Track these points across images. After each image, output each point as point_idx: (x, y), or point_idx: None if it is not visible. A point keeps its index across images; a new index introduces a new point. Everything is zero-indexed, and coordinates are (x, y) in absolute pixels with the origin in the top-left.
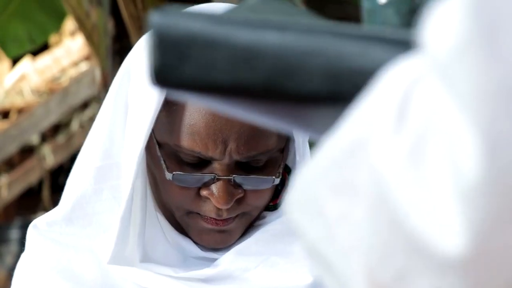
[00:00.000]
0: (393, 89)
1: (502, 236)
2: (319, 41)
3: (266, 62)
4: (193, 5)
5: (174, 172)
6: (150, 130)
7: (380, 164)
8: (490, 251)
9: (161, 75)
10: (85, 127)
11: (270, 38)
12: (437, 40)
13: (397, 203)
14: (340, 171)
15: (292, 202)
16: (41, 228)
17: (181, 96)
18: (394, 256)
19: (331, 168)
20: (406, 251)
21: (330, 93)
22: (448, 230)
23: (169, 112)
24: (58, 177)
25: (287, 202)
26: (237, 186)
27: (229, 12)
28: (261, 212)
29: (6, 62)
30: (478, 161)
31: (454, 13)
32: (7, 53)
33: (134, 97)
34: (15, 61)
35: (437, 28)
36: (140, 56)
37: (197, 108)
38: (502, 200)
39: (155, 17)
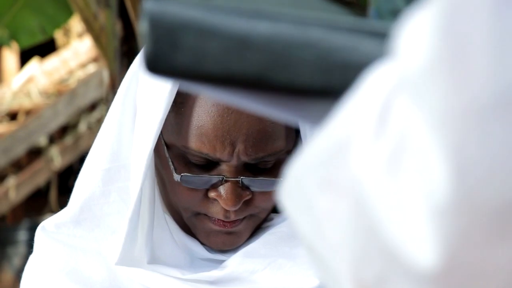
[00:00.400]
0: (375, 93)
1: (472, 254)
2: (311, 33)
3: (257, 53)
4: None
5: (182, 174)
6: (159, 132)
7: (359, 168)
8: (461, 268)
9: (153, 63)
10: (93, 129)
11: (262, 29)
12: (408, 53)
13: (374, 210)
14: (325, 169)
15: (284, 195)
16: (49, 230)
17: (174, 82)
18: (373, 260)
19: (318, 165)
20: (383, 257)
21: (320, 86)
22: (420, 244)
23: (178, 114)
24: (66, 178)
25: (281, 194)
26: (245, 187)
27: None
28: (268, 214)
29: (14, 64)
30: (445, 183)
31: (425, 28)
32: (20, 43)
33: (142, 99)
34: (23, 62)
35: (409, 40)
36: None
37: (206, 110)
38: (470, 220)
39: (149, 4)
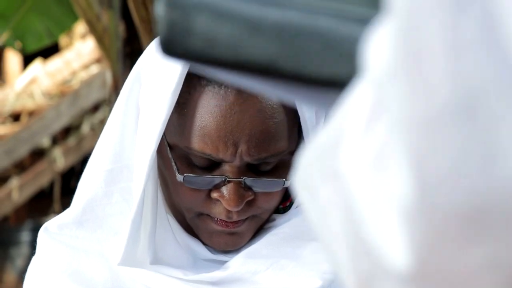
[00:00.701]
0: (369, 92)
1: (443, 257)
2: (320, 22)
3: (267, 40)
4: None
5: (185, 174)
6: (162, 133)
7: (346, 163)
8: (434, 270)
9: (168, 46)
10: (96, 130)
11: (273, 16)
12: (373, 60)
13: (357, 206)
14: (325, 160)
15: (296, 178)
16: (52, 231)
17: (188, 65)
18: (361, 257)
19: (320, 156)
20: (369, 255)
21: (329, 76)
22: (394, 245)
23: (180, 115)
24: (69, 179)
25: (294, 178)
26: (248, 188)
27: None
28: (271, 215)
29: (17, 65)
30: (409, 188)
31: (386, 33)
32: (27, 47)
33: (145, 100)
34: (26, 64)
35: (373, 47)
36: (150, 59)
37: (208, 110)
38: (436, 224)
39: None
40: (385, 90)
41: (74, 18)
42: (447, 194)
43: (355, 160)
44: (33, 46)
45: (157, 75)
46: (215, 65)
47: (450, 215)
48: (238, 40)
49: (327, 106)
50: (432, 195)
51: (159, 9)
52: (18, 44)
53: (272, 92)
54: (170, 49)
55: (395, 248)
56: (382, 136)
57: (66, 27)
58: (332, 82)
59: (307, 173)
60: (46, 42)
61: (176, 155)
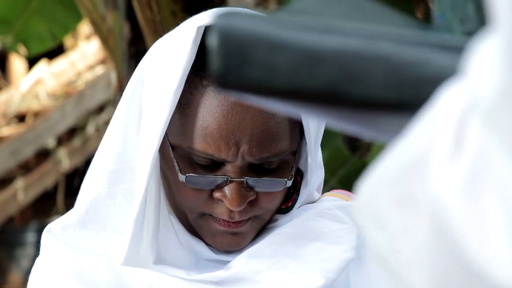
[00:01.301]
0: (448, 116)
1: None
2: (382, 47)
3: (328, 68)
4: (207, 9)
5: (187, 174)
6: (164, 133)
7: (439, 188)
8: None
9: (223, 78)
10: (101, 131)
11: (332, 43)
12: (479, 77)
13: (454, 229)
14: (401, 185)
15: (357, 207)
16: (55, 232)
17: (243, 97)
18: (452, 277)
19: (393, 182)
20: (464, 275)
21: (393, 100)
22: (502, 264)
23: (182, 115)
24: (74, 180)
25: (355, 209)
26: (250, 188)
27: (294, 12)
28: (273, 215)
29: (22, 66)
30: None
31: (496, 51)
32: (30, 50)
33: (147, 101)
34: (31, 64)
35: (480, 63)
36: (153, 60)
37: (210, 111)
38: None
39: (219, 20)
40: (495, 109)
41: (77, 19)
42: None
43: (448, 184)
44: (36, 49)
45: (159, 76)
46: (275, 95)
47: None
48: (299, 69)
49: (390, 134)
50: None
51: (213, 41)
52: (22, 49)
53: (332, 121)
54: (226, 81)
55: (502, 267)
56: (475, 158)
57: (69, 28)
58: (396, 106)
59: (372, 202)
60: (50, 44)
61: (178, 156)
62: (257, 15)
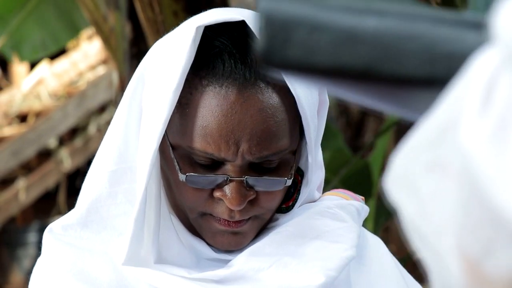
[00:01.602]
0: (479, 76)
1: None
2: (417, 26)
3: (366, 46)
4: (208, 8)
5: (187, 174)
6: (163, 132)
7: (467, 142)
8: None
9: (268, 57)
10: (102, 131)
11: (370, 23)
12: (509, 34)
13: (484, 181)
14: (431, 150)
15: (390, 179)
16: (56, 232)
17: (286, 76)
18: (483, 229)
19: (424, 147)
20: (493, 223)
21: (426, 76)
22: None
23: (182, 115)
24: (75, 180)
25: (387, 179)
26: (250, 187)
27: None
28: (273, 215)
29: (24, 66)
30: None
31: None
32: (21, 57)
33: (147, 100)
34: (32, 65)
35: (508, 22)
36: (153, 60)
37: (210, 110)
38: None
39: (263, 2)
40: None
41: (73, 33)
42: None
43: (476, 138)
44: (28, 57)
45: (159, 75)
46: (314, 73)
47: None
48: (338, 48)
49: (421, 111)
50: None
51: (259, 22)
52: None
53: (366, 100)
54: (270, 60)
55: None
56: (503, 111)
57: (62, 41)
58: (429, 82)
59: (404, 170)
60: (41, 54)
61: (178, 155)
62: None
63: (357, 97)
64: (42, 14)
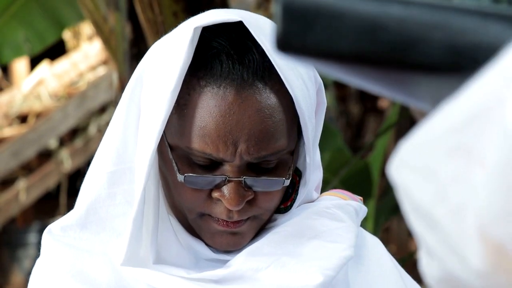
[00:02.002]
0: None
1: None
2: (442, 15)
3: (389, 34)
4: (208, 9)
5: (185, 174)
6: (161, 132)
7: None
8: None
9: (285, 42)
10: (103, 131)
11: (394, 11)
12: None
13: None
14: (457, 136)
15: (400, 163)
16: (55, 233)
17: (302, 62)
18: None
19: (448, 134)
20: None
21: (449, 65)
22: None
23: (180, 115)
24: (76, 181)
25: (393, 164)
26: (248, 187)
27: None
28: (272, 215)
29: (24, 66)
30: None
31: None
32: (2, 57)
33: (146, 101)
34: (33, 65)
35: None
36: (152, 61)
37: (208, 111)
38: None
39: None
40: None
41: (57, 32)
42: None
43: None
44: (9, 58)
45: (158, 76)
46: (336, 59)
47: None
48: (361, 34)
49: (440, 102)
50: None
51: (276, 8)
52: None
53: (384, 90)
54: (288, 45)
55: None
56: None
57: (47, 41)
58: (453, 71)
59: (420, 154)
60: (24, 54)
61: (177, 156)
62: None
63: (376, 86)
64: (25, 14)
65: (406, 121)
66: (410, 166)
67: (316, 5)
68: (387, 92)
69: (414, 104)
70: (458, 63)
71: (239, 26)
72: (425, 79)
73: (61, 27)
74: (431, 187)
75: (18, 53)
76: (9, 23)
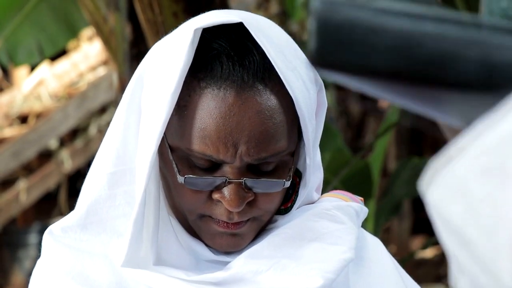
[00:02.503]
0: None
1: None
2: (476, 32)
3: (425, 51)
4: (208, 9)
5: (186, 176)
6: (162, 134)
7: None
8: None
9: (320, 57)
10: (103, 132)
11: (428, 28)
12: None
13: None
14: (491, 157)
15: (432, 181)
16: (56, 234)
17: (334, 77)
18: None
19: (481, 154)
20: None
21: (484, 82)
22: None
23: (181, 117)
24: (76, 181)
25: (425, 181)
26: (248, 189)
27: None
28: (272, 216)
29: (24, 68)
30: None
31: None
32: (15, 61)
33: (146, 102)
34: (33, 66)
35: None
36: (152, 62)
37: (208, 112)
38: None
39: (317, 3)
40: None
41: (69, 36)
42: None
43: None
44: (22, 62)
45: (158, 78)
46: (369, 74)
47: None
48: (396, 51)
49: (474, 119)
50: None
51: (311, 24)
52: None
53: (421, 105)
54: (323, 60)
55: None
56: None
57: (59, 45)
58: (487, 88)
59: (452, 174)
60: (36, 59)
61: (177, 157)
62: (355, 1)
63: (409, 102)
64: (39, 18)
65: (406, 122)
66: (442, 184)
67: (351, 21)
68: (419, 108)
69: (445, 120)
70: (493, 80)
71: (240, 27)
72: (458, 96)
73: (73, 31)
74: (464, 205)
75: (31, 58)
76: (22, 28)
